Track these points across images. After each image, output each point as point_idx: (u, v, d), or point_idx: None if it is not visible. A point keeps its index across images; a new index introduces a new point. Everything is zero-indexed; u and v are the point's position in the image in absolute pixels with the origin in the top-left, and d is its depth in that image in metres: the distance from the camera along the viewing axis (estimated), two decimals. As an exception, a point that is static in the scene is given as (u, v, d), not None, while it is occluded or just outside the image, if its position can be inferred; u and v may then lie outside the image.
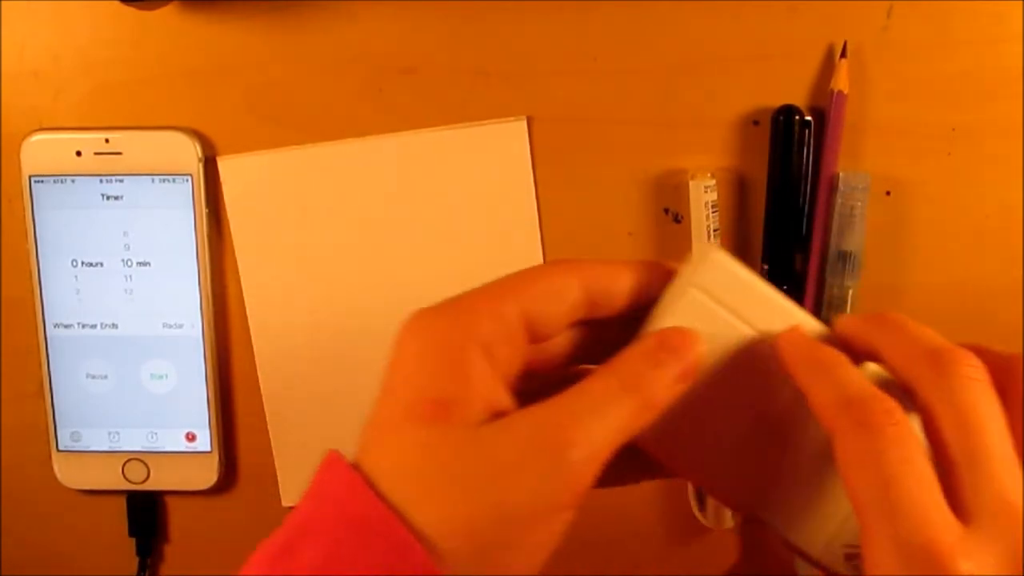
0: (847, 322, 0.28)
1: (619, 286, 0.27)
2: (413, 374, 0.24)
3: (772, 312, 0.27)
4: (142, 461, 0.48)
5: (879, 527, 0.23)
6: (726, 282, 0.27)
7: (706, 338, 0.27)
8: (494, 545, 0.24)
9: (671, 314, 0.27)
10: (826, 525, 0.27)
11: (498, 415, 0.24)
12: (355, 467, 0.24)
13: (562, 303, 0.26)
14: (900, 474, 0.23)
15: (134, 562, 0.50)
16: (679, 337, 0.26)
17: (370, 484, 0.23)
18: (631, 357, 0.26)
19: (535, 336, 0.26)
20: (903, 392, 0.25)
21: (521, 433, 0.24)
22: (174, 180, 0.46)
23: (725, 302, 0.27)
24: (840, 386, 0.25)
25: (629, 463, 0.27)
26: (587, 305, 0.27)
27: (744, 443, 0.28)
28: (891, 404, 0.24)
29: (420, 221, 0.46)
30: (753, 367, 0.27)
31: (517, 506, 0.24)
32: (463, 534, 0.23)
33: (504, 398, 0.25)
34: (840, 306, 0.45)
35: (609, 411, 0.24)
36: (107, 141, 0.45)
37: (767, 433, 0.28)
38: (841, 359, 0.26)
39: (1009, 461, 0.23)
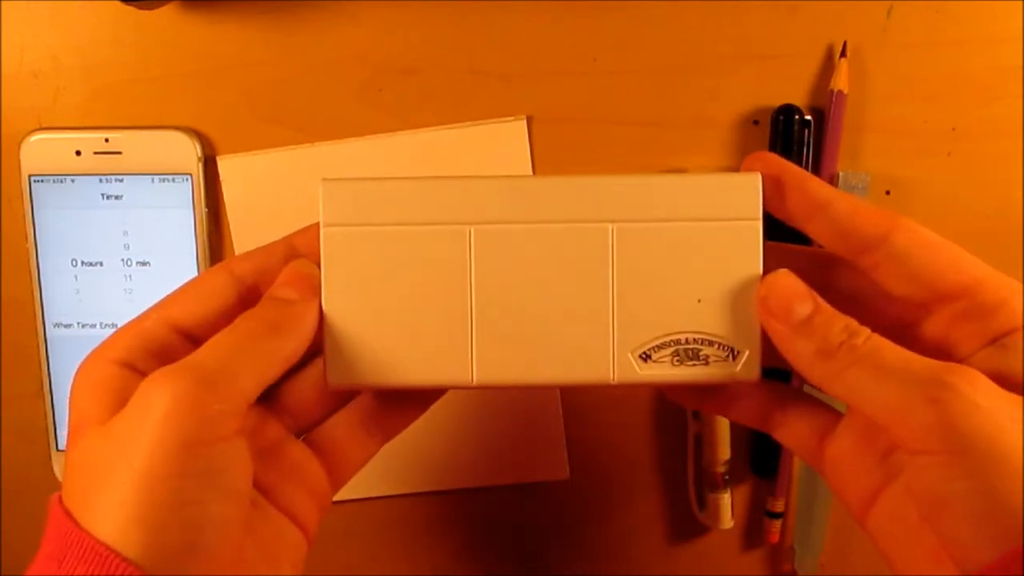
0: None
1: (275, 260, 0.29)
2: (73, 406, 0.27)
3: (422, 198, 0.28)
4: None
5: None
6: (358, 201, 0.28)
7: (377, 257, 0.28)
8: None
9: (328, 266, 0.28)
10: (602, 343, 0.28)
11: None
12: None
13: (211, 298, 0.28)
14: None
15: (134, 562, 0.49)
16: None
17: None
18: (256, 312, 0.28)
19: (200, 337, 0.27)
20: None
21: (139, 406, 0.25)
22: (174, 180, 0.46)
23: (371, 219, 0.28)
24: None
25: None
26: (246, 291, 0.29)
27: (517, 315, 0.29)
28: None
29: (420, 221, 0.46)
30: (443, 252, 0.28)
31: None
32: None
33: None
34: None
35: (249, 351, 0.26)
36: (107, 141, 0.45)
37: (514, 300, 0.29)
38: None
39: None
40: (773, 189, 0.29)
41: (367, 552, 0.49)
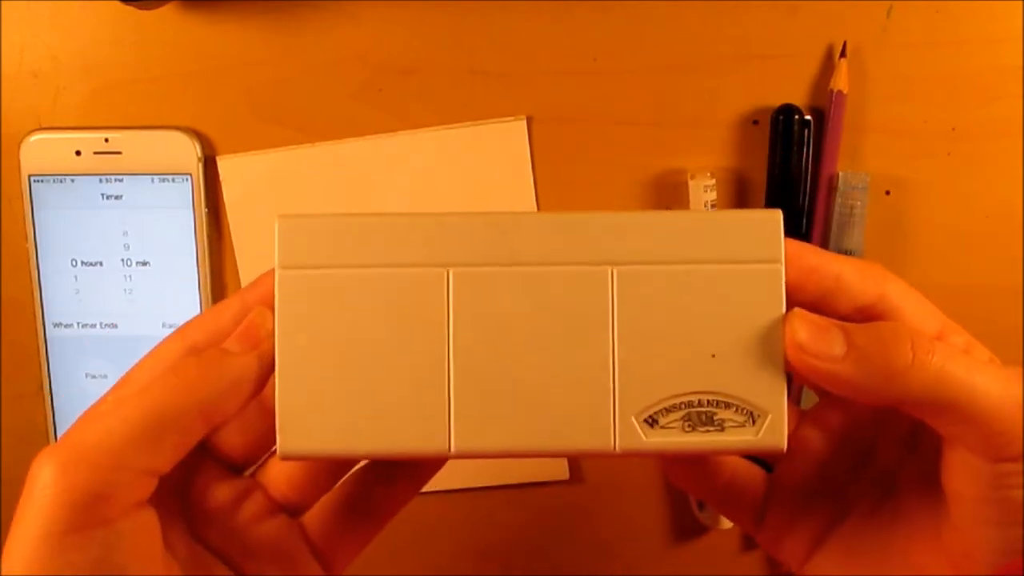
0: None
1: (226, 321, 0.25)
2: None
3: (393, 236, 0.24)
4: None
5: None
6: (319, 240, 0.24)
7: (338, 304, 0.24)
8: None
9: (283, 315, 0.24)
10: (602, 406, 0.25)
11: None
12: None
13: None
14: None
15: (134, 562, 0.49)
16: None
17: None
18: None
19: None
20: None
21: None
22: (174, 180, 0.46)
23: (334, 260, 0.24)
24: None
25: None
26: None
27: (499, 380, 0.25)
28: None
29: (420, 221, 0.46)
30: (416, 299, 0.24)
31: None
32: None
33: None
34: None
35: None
36: (107, 141, 0.45)
37: (497, 360, 0.25)
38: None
39: None
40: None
41: (367, 552, 0.49)
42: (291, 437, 0.24)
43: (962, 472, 0.25)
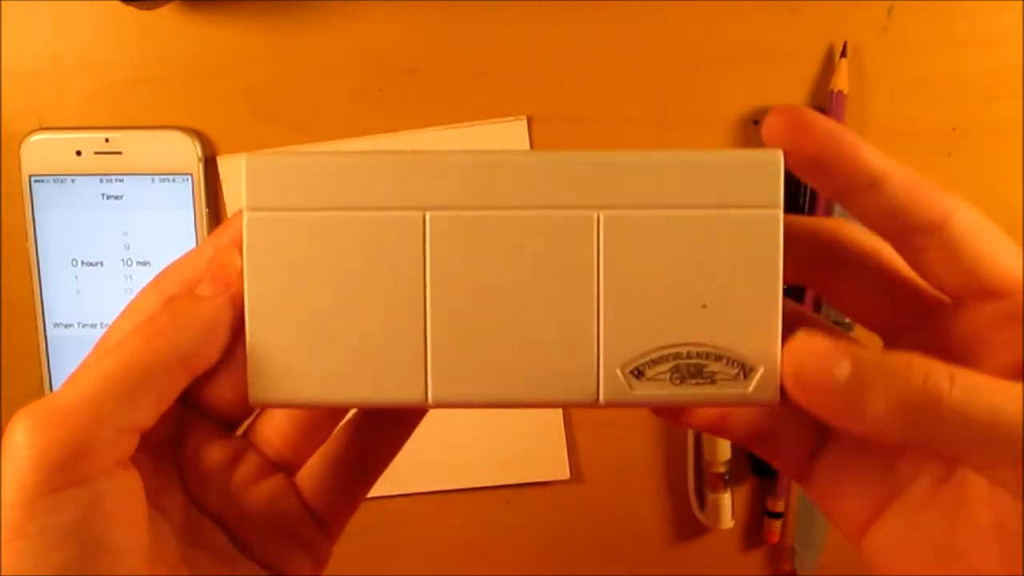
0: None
1: (201, 266, 0.24)
2: None
3: (367, 177, 0.23)
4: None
5: None
6: (289, 180, 0.23)
7: (310, 246, 0.23)
8: None
9: (252, 259, 0.23)
10: (587, 356, 0.23)
11: None
12: None
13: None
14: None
15: (134, 562, 0.50)
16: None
17: None
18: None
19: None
20: None
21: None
22: (174, 180, 0.46)
23: (305, 202, 0.23)
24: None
25: None
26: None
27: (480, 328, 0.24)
28: None
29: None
30: (392, 243, 0.23)
31: None
32: None
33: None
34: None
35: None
36: (107, 141, 0.45)
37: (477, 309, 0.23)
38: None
39: None
40: (810, 164, 0.24)
41: (367, 552, 0.49)
42: (262, 385, 0.24)
43: (990, 502, 0.23)
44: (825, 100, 0.44)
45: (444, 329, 0.23)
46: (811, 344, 0.22)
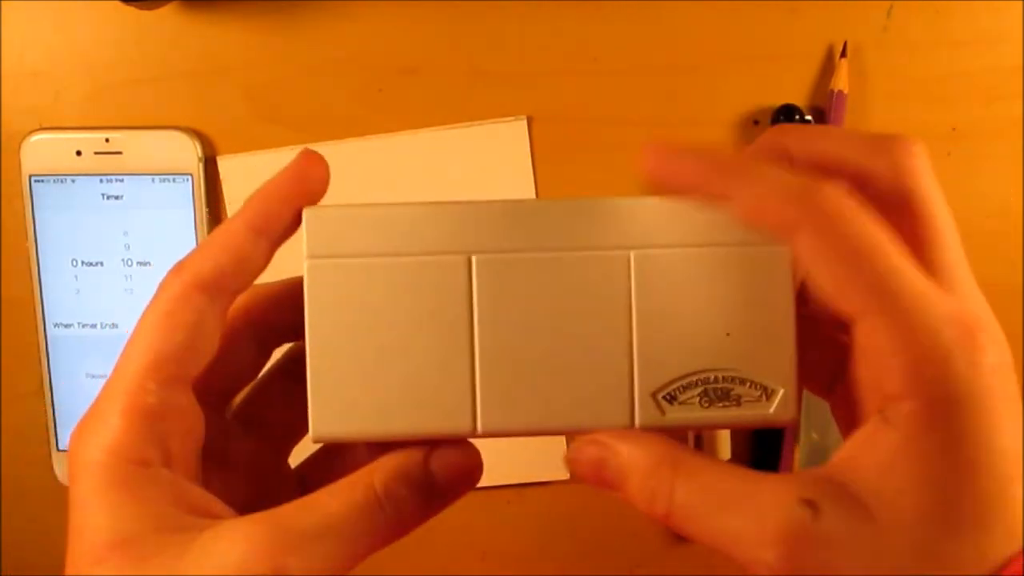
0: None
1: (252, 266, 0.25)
2: (87, 514, 0.22)
3: (416, 225, 0.25)
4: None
5: (890, 319, 0.21)
6: (345, 229, 0.25)
7: (371, 293, 0.25)
8: None
9: (312, 302, 0.25)
10: (623, 384, 0.25)
11: (199, 527, 0.22)
12: None
13: (203, 337, 0.24)
14: (892, 254, 0.21)
15: (134, 562, 0.49)
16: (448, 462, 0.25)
17: None
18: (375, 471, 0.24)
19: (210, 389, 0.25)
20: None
21: (231, 555, 0.21)
22: (174, 180, 0.46)
23: (360, 250, 0.25)
24: (778, 183, 0.22)
25: None
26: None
27: (526, 359, 0.26)
28: (842, 182, 0.22)
29: (420, 221, 0.46)
30: (441, 285, 0.25)
31: None
32: None
33: (201, 503, 0.23)
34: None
35: (341, 531, 0.23)
36: (107, 141, 0.45)
37: (523, 340, 0.25)
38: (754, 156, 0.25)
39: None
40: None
41: (367, 552, 0.49)
42: (324, 422, 0.25)
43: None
44: (825, 100, 0.44)
45: (490, 364, 0.25)
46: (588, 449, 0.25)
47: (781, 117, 0.44)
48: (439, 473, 0.25)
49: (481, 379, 0.25)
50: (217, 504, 0.24)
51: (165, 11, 0.45)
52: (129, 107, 0.46)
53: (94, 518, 0.22)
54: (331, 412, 0.25)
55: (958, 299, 0.23)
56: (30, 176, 0.46)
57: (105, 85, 0.46)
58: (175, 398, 0.23)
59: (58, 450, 0.48)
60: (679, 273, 0.25)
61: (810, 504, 0.21)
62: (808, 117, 0.44)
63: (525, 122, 0.45)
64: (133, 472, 0.22)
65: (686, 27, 0.44)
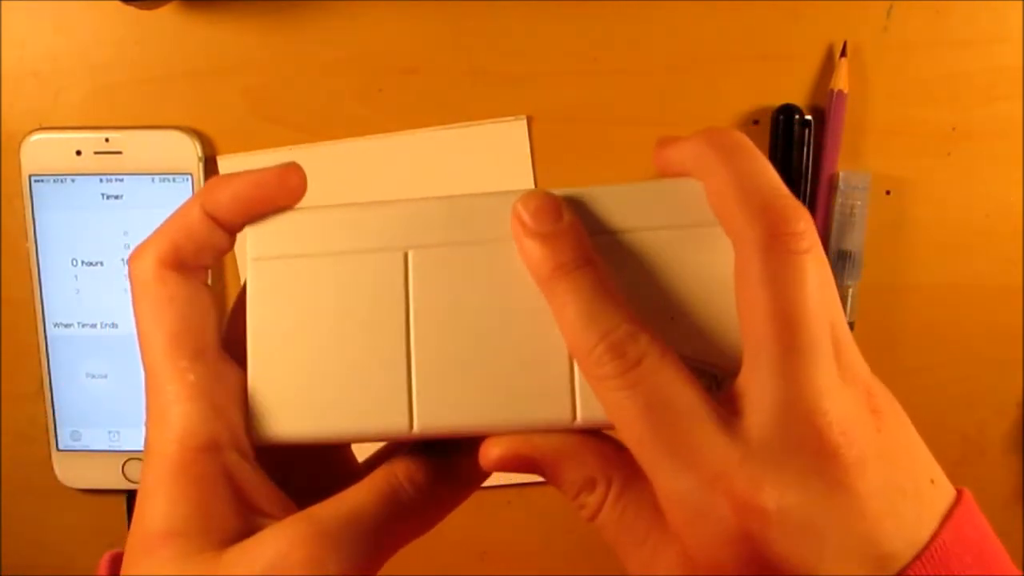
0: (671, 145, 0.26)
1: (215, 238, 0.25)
2: (150, 503, 0.23)
3: (357, 224, 0.25)
4: (142, 460, 0.48)
5: (787, 356, 0.20)
6: (287, 231, 0.25)
7: (311, 291, 0.24)
8: None
9: (254, 305, 0.25)
10: (563, 377, 0.24)
11: (255, 526, 0.23)
12: None
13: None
14: (821, 303, 0.21)
15: (134, 562, 0.50)
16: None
17: None
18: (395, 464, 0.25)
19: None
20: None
21: (266, 555, 0.22)
22: (174, 179, 0.46)
23: (301, 250, 0.25)
24: (753, 186, 0.22)
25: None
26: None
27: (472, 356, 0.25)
28: (806, 216, 0.22)
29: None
30: (373, 283, 0.25)
31: None
32: None
33: (257, 496, 0.24)
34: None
35: (371, 521, 0.24)
36: (107, 140, 0.45)
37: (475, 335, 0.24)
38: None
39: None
40: None
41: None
42: (261, 425, 0.24)
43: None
44: (825, 100, 0.44)
45: (427, 361, 0.24)
46: (543, 194, 0.24)
47: (781, 117, 0.44)
48: (457, 456, 0.25)
49: (417, 377, 0.24)
50: (272, 496, 0.24)
51: (165, 11, 0.45)
52: (129, 107, 0.46)
53: (153, 507, 0.23)
54: (270, 414, 0.24)
55: None
56: (30, 176, 0.46)
57: (105, 85, 0.46)
58: (212, 368, 0.24)
59: (58, 450, 0.48)
60: (617, 258, 0.24)
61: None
62: (808, 117, 0.44)
63: (525, 122, 0.45)
64: (199, 463, 0.23)
65: (686, 27, 0.44)
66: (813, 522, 0.20)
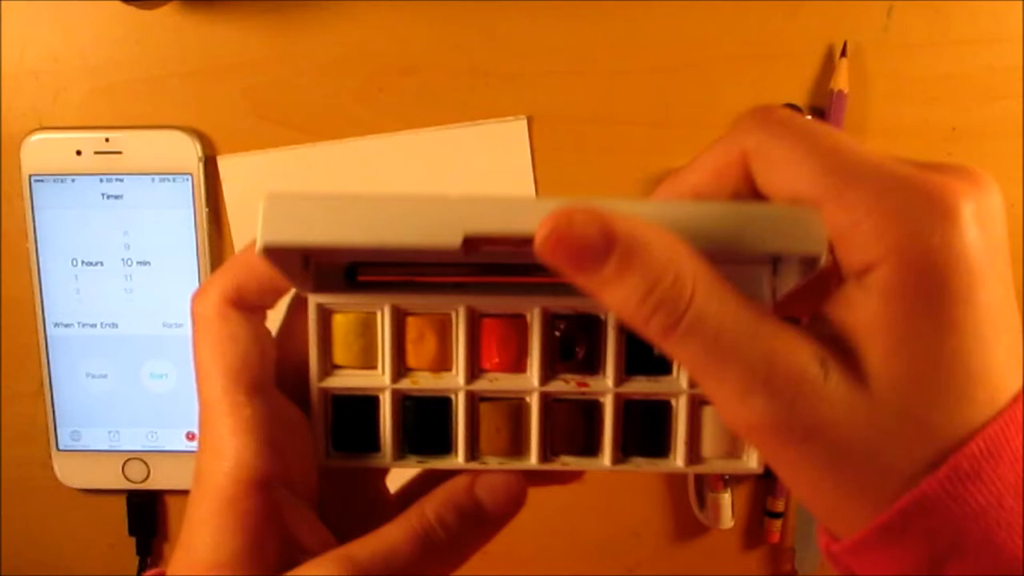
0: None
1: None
2: (199, 533, 0.24)
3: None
4: (142, 460, 0.48)
5: (852, 190, 0.20)
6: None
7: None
8: None
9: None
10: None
11: (295, 560, 0.24)
12: None
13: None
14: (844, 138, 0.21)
15: (134, 561, 0.50)
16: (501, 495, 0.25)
17: None
18: (433, 501, 0.25)
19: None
20: None
21: None
22: (174, 179, 0.46)
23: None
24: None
25: None
26: None
27: None
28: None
29: (420, 221, 0.46)
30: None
31: None
32: None
33: (300, 533, 0.25)
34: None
35: (403, 560, 0.24)
36: (107, 140, 0.45)
37: None
38: None
39: None
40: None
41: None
42: (272, 229, 0.22)
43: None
44: (825, 100, 0.44)
45: None
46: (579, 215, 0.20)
47: (781, 117, 0.44)
48: (484, 498, 0.25)
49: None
50: (314, 529, 0.25)
51: (165, 11, 0.45)
52: (129, 107, 0.46)
53: (202, 538, 0.24)
54: (282, 220, 0.22)
55: (933, 171, 0.21)
56: (30, 176, 0.46)
57: (105, 85, 0.46)
58: (269, 404, 0.24)
59: (58, 450, 0.48)
60: None
61: (823, 363, 0.20)
62: (808, 117, 0.44)
63: (525, 122, 0.45)
64: (250, 497, 0.23)
65: (686, 27, 0.44)
66: None
